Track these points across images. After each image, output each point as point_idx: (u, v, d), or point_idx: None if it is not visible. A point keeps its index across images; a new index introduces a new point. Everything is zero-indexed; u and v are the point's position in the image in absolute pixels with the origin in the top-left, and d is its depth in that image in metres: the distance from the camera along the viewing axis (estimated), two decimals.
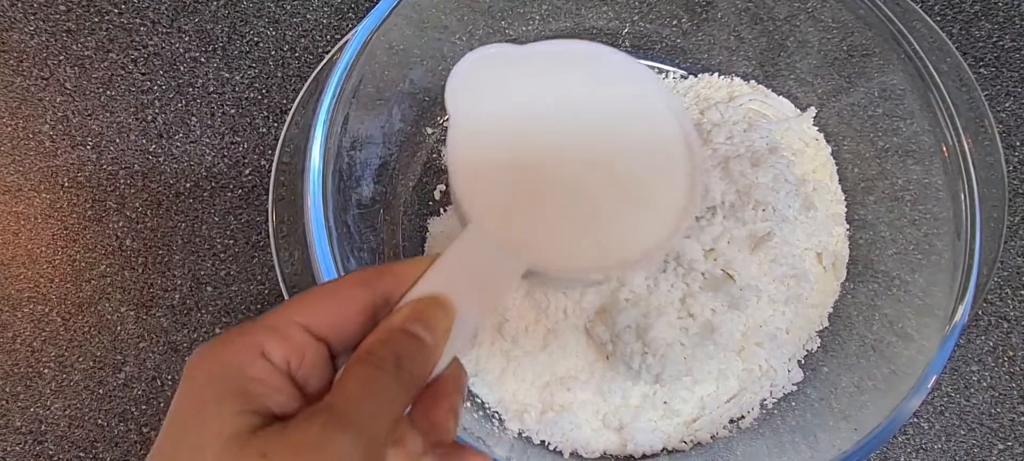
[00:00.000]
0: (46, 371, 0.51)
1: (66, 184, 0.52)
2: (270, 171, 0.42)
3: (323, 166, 0.37)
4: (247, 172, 0.52)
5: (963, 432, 0.50)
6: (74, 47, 0.53)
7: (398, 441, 0.22)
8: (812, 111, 0.49)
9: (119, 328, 0.51)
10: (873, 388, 0.40)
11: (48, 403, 0.50)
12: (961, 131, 0.39)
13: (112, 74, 0.53)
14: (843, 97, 0.47)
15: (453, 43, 0.47)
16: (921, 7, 0.52)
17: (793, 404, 0.45)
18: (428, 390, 0.23)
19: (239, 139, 0.53)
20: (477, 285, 0.24)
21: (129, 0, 0.54)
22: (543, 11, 0.49)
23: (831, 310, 0.47)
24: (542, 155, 0.26)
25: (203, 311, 0.51)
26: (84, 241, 0.52)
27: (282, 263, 0.39)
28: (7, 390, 0.50)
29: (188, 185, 0.52)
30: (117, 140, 0.52)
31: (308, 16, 0.54)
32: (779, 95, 0.50)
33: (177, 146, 0.53)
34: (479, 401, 0.45)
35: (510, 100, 0.28)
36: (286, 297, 0.39)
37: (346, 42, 0.38)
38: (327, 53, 0.42)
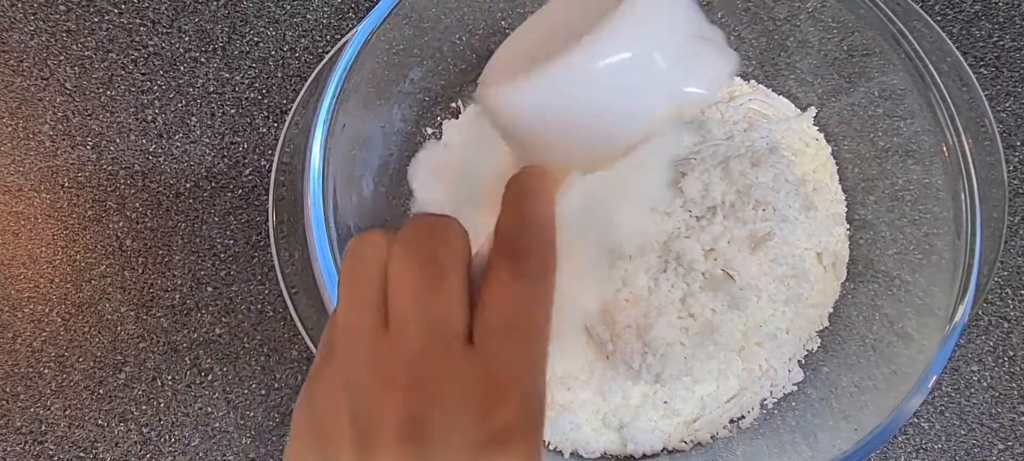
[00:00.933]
0: (46, 371, 0.51)
1: (66, 184, 0.52)
2: (270, 171, 0.42)
3: (323, 166, 0.37)
4: (247, 172, 0.52)
5: (963, 432, 0.50)
6: (74, 47, 0.53)
7: None
8: (812, 111, 0.49)
9: (119, 328, 0.51)
10: (873, 388, 0.40)
11: (48, 403, 0.50)
12: (961, 131, 0.39)
13: (112, 74, 0.53)
14: (843, 97, 0.47)
15: (453, 43, 0.47)
16: (921, 7, 0.52)
17: (793, 404, 0.45)
18: None
19: (239, 139, 0.53)
20: None
21: (129, 0, 0.54)
22: None
23: (831, 310, 0.47)
24: None
25: (203, 311, 0.51)
26: (84, 241, 0.52)
27: (282, 263, 0.39)
28: (7, 390, 0.50)
29: (188, 185, 0.52)
30: (117, 140, 0.52)
31: (308, 16, 0.54)
32: (779, 95, 0.50)
33: (177, 146, 0.53)
34: None
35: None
36: (286, 297, 0.39)
37: (346, 42, 0.38)
38: (327, 53, 0.42)
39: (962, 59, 0.42)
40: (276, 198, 0.40)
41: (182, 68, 0.54)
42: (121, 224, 0.52)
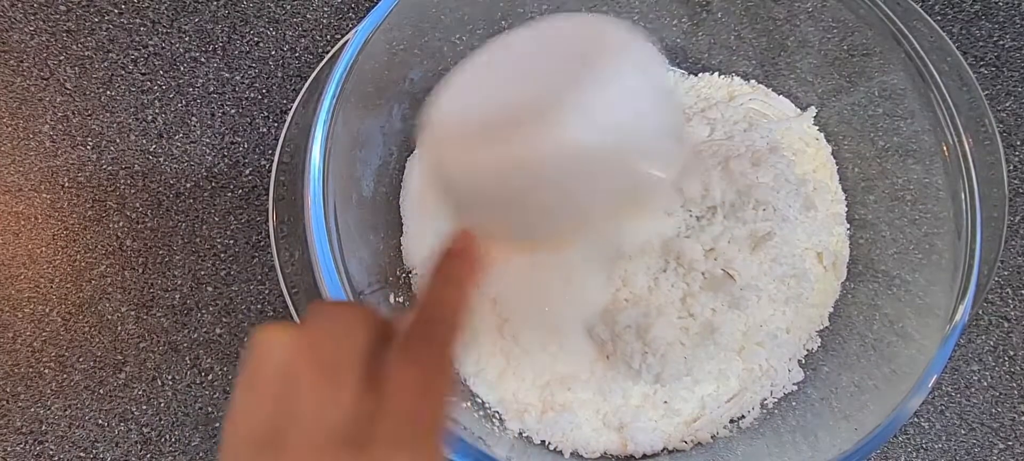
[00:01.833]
0: (46, 371, 0.51)
1: (66, 184, 0.52)
2: (270, 171, 0.42)
3: (323, 166, 0.37)
4: (247, 172, 0.52)
5: (963, 432, 0.50)
6: (74, 47, 0.53)
7: None
8: (812, 111, 0.49)
9: (119, 328, 0.51)
10: (873, 388, 0.40)
11: (48, 403, 0.50)
12: (961, 131, 0.39)
13: (112, 74, 0.53)
14: (843, 97, 0.47)
15: (453, 43, 0.47)
16: (921, 7, 0.52)
17: (793, 404, 0.45)
18: None
19: (239, 139, 0.53)
20: None
21: (129, 0, 0.54)
22: (543, 11, 0.49)
23: (831, 310, 0.47)
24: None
25: (203, 311, 0.51)
26: (84, 241, 0.52)
27: (282, 263, 0.39)
28: (7, 390, 0.50)
29: (188, 185, 0.52)
30: (117, 140, 0.52)
31: (308, 16, 0.54)
32: (779, 95, 0.50)
33: (177, 146, 0.53)
34: (479, 401, 0.45)
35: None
36: (286, 297, 0.39)
37: (346, 42, 0.38)
38: (327, 53, 0.42)
39: (962, 59, 0.42)
40: (276, 198, 0.40)
41: (182, 68, 0.54)
42: (121, 224, 0.52)
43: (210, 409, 0.50)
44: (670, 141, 0.26)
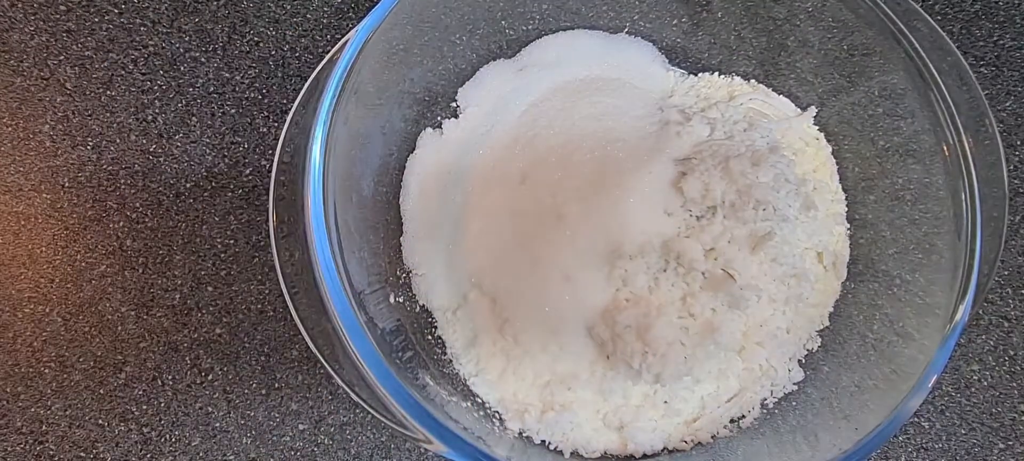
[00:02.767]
0: (47, 371, 0.51)
1: (66, 184, 0.52)
2: (270, 171, 0.42)
3: (323, 166, 0.36)
4: (247, 172, 0.52)
5: (964, 431, 0.50)
6: (74, 47, 0.54)
7: None
8: (812, 110, 0.49)
9: (119, 328, 0.51)
10: (874, 387, 0.40)
11: (49, 403, 0.50)
12: (962, 130, 0.39)
13: (112, 74, 0.53)
14: (843, 96, 0.47)
15: (453, 43, 0.47)
16: (922, 6, 0.52)
17: (794, 403, 0.45)
18: None
19: (239, 139, 0.53)
20: None
21: (129, 0, 0.54)
22: (543, 11, 0.49)
23: (831, 310, 0.47)
24: None
25: (204, 311, 0.51)
26: (84, 241, 0.52)
27: (282, 263, 0.39)
28: (8, 390, 0.50)
29: (188, 185, 0.52)
30: (117, 140, 0.52)
31: (308, 16, 0.54)
32: (779, 94, 0.50)
33: (177, 146, 0.53)
34: (479, 401, 0.45)
35: None
36: (286, 297, 0.39)
37: (346, 42, 0.38)
38: (327, 53, 0.42)
39: (962, 59, 0.42)
40: (276, 198, 0.40)
41: (182, 68, 0.54)
42: (121, 224, 0.52)
43: (210, 409, 0.50)
44: None
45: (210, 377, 0.51)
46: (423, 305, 0.47)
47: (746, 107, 0.49)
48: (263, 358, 0.51)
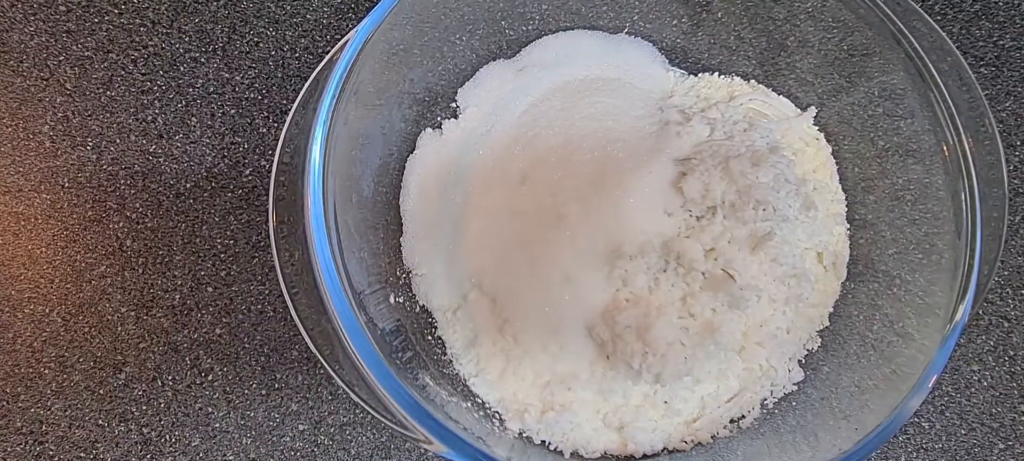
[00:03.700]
0: (46, 372, 0.51)
1: (66, 185, 0.52)
2: (270, 171, 0.42)
3: (323, 166, 0.36)
4: (247, 172, 0.52)
5: (964, 431, 0.50)
6: (74, 48, 0.54)
7: None
8: (812, 111, 0.49)
9: (119, 328, 0.51)
10: (874, 388, 0.40)
11: (48, 404, 0.50)
12: (961, 131, 0.39)
13: (112, 74, 0.53)
14: (843, 97, 0.47)
15: (453, 43, 0.47)
16: (921, 6, 0.52)
17: (794, 404, 0.45)
18: None
19: (239, 139, 0.53)
20: None
21: (129, 0, 0.54)
22: (543, 11, 0.49)
23: (831, 310, 0.47)
24: None
25: (203, 311, 0.51)
26: (84, 242, 0.52)
27: (282, 263, 0.39)
28: (7, 391, 0.50)
29: (188, 185, 0.52)
30: (117, 140, 0.52)
31: (308, 16, 0.54)
32: (779, 95, 0.50)
33: (177, 146, 0.53)
34: (479, 401, 0.45)
35: None
36: (286, 297, 0.39)
37: (346, 42, 0.38)
38: (327, 53, 0.42)
39: (962, 59, 0.42)
40: (276, 198, 0.40)
41: (182, 68, 0.54)
42: (121, 224, 0.52)
43: (210, 410, 0.50)
44: None
45: (210, 377, 0.51)
46: (423, 305, 0.47)
47: (746, 107, 0.49)
48: (263, 358, 0.51)
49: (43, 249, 0.52)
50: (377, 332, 0.39)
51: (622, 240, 0.43)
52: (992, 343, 0.51)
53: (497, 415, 0.44)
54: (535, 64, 0.50)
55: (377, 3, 0.38)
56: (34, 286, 0.51)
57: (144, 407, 0.50)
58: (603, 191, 0.44)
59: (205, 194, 0.52)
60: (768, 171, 0.44)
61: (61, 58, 0.53)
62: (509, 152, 0.47)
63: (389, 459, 0.50)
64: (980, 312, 0.52)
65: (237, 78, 0.54)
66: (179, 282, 0.51)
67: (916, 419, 0.51)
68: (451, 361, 0.46)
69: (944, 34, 0.42)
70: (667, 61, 0.52)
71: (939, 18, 0.55)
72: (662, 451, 0.45)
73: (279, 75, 0.54)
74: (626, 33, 0.51)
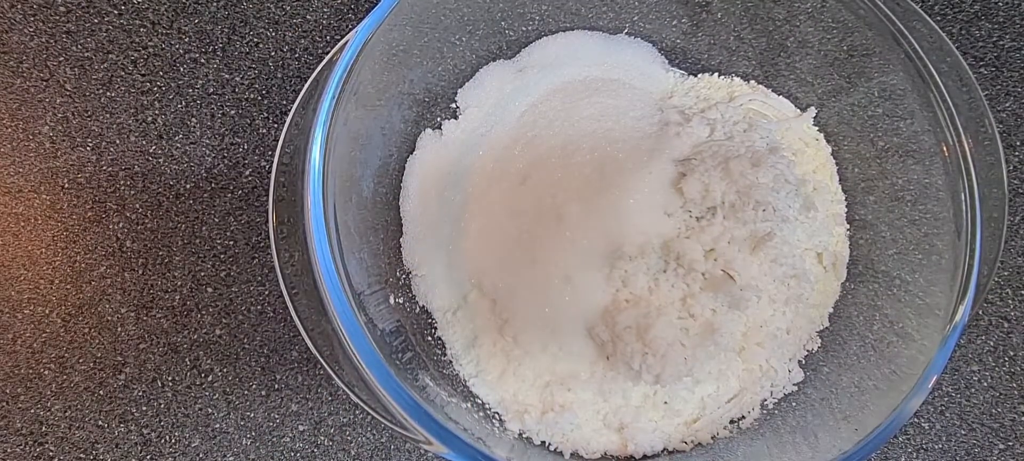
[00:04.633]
0: (46, 372, 0.51)
1: (66, 185, 0.52)
2: (270, 172, 0.42)
3: (323, 166, 0.36)
4: (247, 173, 0.52)
5: (964, 432, 0.50)
6: (74, 48, 0.54)
7: None
8: (812, 111, 0.49)
9: (119, 329, 0.51)
10: (874, 388, 0.40)
11: (48, 405, 0.50)
12: (961, 131, 0.39)
13: (112, 75, 0.53)
14: (843, 97, 0.47)
15: (453, 44, 0.47)
16: (921, 7, 0.52)
17: (794, 404, 0.45)
18: None
19: (239, 140, 0.53)
20: None
21: (129, 1, 0.54)
22: (543, 11, 0.49)
23: (831, 310, 0.47)
24: None
25: (203, 312, 0.51)
26: (84, 242, 0.52)
27: (282, 264, 0.39)
28: (7, 392, 0.50)
29: (188, 186, 0.52)
30: (117, 141, 0.52)
31: (308, 16, 0.54)
32: (779, 95, 0.50)
33: (177, 147, 0.53)
34: (479, 401, 0.45)
35: None
36: (286, 298, 0.39)
37: (346, 42, 0.38)
38: (327, 53, 0.42)
39: (962, 59, 0.42)
40: (276, 199, 0.40)
41: (182, 69, 0.54)
42: (121, 225, 0.52)
43: (210, 410, 0.50)
44: None
45: (210, 378, 0.51)
46: (423, 306, 0.47)
47: (746, 108, 0.49)
48: (263, 359, 0.51)
49: (43, 250, 0.52)
50: (377, 333, 0.39)
51: (622, 241, 0.43)
52: (992, 343, 0.51)
53: (497, 416, 0.44)
54: (535, 65, 0.50)
55: (377, 4, 0.38)
56: (34, 287, 0.51)
57: (144, 408, 0.50)
58: (603, 192, 0.44)
59: (205, 195, 0.52)
60: (768, 172, 0.44)
61: (61, 59, 0.53)
62: (509, 153, 0.47)
63: (389, 459, 0.50)
64: (980, 312, 0.52)
65: (237, 79, 0.54)
66: (179, 283, 0.51)
67: (916, 419, 0.51)
68: (451, 362, 0.46)
69: (944, 34, 0.42)
70: (667, 62, 0.52)
71: (939, 18, 0.55)
72: (662, 452, 0.44)
73: (279, 76, 0.54)
74: (626, 34, 0.51)
